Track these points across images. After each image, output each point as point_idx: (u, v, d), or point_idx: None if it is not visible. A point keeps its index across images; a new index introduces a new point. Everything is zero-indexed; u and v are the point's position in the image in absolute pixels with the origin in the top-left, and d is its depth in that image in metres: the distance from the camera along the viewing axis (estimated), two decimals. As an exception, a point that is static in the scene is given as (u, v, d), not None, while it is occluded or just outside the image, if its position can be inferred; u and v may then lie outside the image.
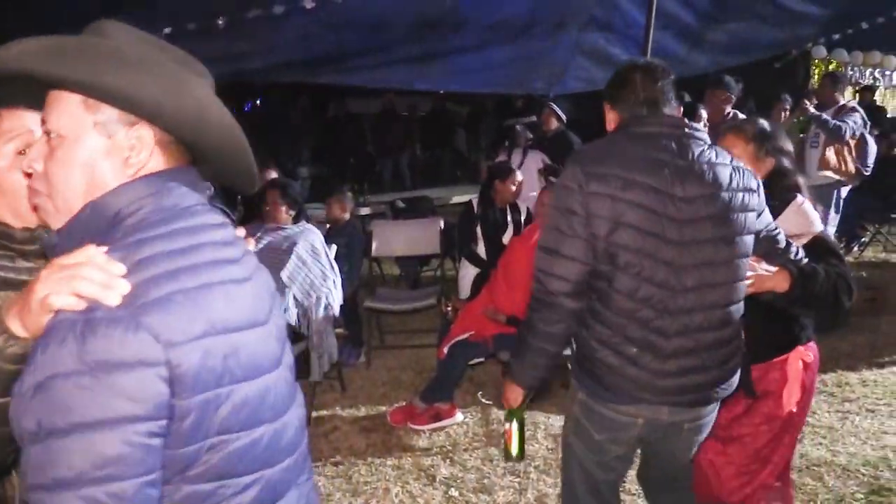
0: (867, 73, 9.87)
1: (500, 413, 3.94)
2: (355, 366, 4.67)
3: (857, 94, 9.27)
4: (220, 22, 4.22)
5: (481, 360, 3.95)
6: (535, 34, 6.20)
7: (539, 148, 5.95)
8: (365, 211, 6.63)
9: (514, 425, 2.38)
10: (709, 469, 2.33)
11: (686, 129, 1.88)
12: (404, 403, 3.97)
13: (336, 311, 4.01)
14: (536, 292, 1.89)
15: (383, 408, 4.04)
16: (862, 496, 3.07)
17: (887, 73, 9.82)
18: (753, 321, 2.01)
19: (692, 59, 7.54)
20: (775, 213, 2.10)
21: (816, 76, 9.62)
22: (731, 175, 1.86)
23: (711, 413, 1.99)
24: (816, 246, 2.14)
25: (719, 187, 1.82)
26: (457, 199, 6.86)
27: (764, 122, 2.38)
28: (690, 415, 1.93)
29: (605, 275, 1.82)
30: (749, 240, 1.89)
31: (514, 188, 4.66)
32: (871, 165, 5.86)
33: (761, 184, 1.96)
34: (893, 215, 7.29)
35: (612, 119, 1.98)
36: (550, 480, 3.24)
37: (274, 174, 5.32)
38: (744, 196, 1.87)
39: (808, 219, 2.22)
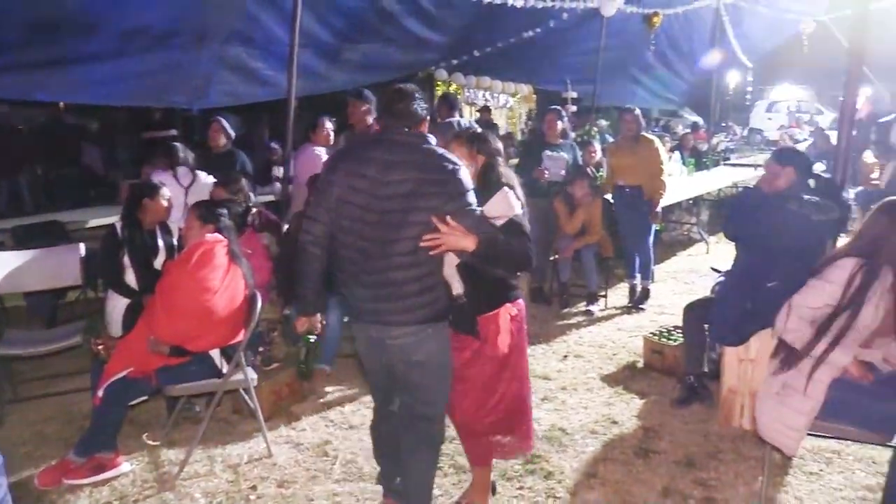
0: (480, 94, 11.27)
1: (172, 454, 3.66)
2: (-18, 427, 3.93)
3: (478, 113, 10.50)
4: None
5: (144, 398, 3.61)
6: (175, 45, 5.89)
7: (205, 166, 5.57)
8: (-25, 242, 5.60)
9: (304, 349, 3.26)
10: (452, 402, 2.90)
11: (398, 135, 2.59)
12: (54, 462, 3.45)
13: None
14: (298, 244, 2.73)
15: (27, 472, 3.46)
16: (519, 465, 3.49)
17: (496, 95, 11.31)
18: (475, 285, 2.69)
19: (331, 75, 7.86)
20: (486, 199, 2.69)
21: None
22: (419, 168, 2.50)
23: (409, 335, 2.61)
24: (511, 225, 2.68)
25: (410, 176, 2.49)
26: (95, 223, 6.15)
27: (478, 129, 3.08)
28: (388, 332, 2.62)
29: (335, 233, 2.62)
30: (429, 213, 2.46)
31: (164, 205, 4.34)
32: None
33: (466, 175, 2.56)
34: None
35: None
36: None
37: None
38: (428, 184, 2.49)
39: (508, 205, 2.73)
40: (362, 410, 4.18)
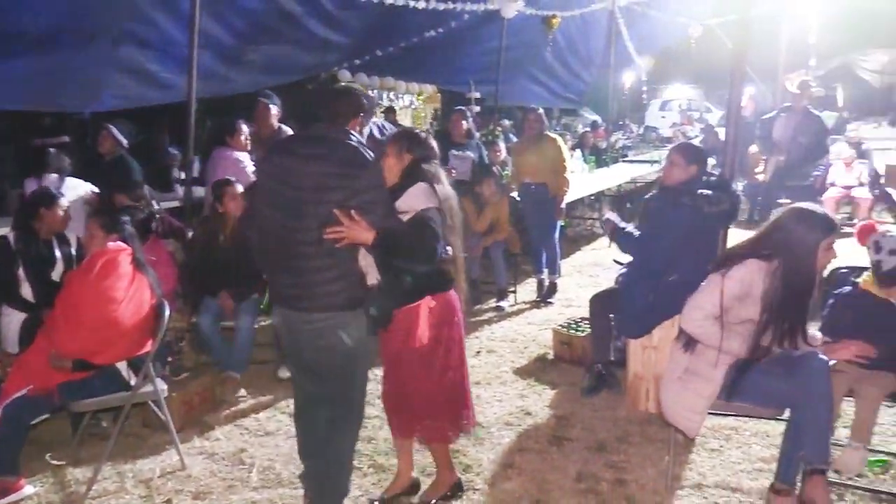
0: (385, 95, 11.27)
1: (79, 473, 3.51)
2: None
3: (383, 114, 10.50)
4: None
5: (47, 416, 3.44)
6: (62, 46, 5.61)
7: (94, 172, 5.33)
8: None
9: None
10: (383, 387, 3.15)
11: (318, 131, 2.78)
12: (-53, 490, 3.25)
13: None
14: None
15: (-85, 502, 3.25)
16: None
17: (401, 95, 11.34)
18: (394, 277, 2.76)
19: (233, 77, 7.67)
20: (402, 193, 2.81)
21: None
22: (331, 162, 2.65)
23: (322, 321, 2.72)
24: (416, 219, 2.76)
25: (321, 170, 2.64)
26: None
27: (410, 131, 3.21)
28: (302, 317, 2.75)
29: (259, 221, 2.81)
30: (330, 206, 2.60)
31: (62, 214, 4.16)
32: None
33: (376, 172, 2.73)
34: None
35: None
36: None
37: None
38: (337, 178, 2.63)
39: (418, 200, 2.80)
40: (278, 416, 4.14)
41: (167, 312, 3.48)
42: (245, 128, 5.73)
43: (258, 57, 7.63)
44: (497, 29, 9.76)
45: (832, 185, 9.32)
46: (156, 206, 5.13)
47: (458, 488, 3.26)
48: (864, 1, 12.90)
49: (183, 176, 5.73)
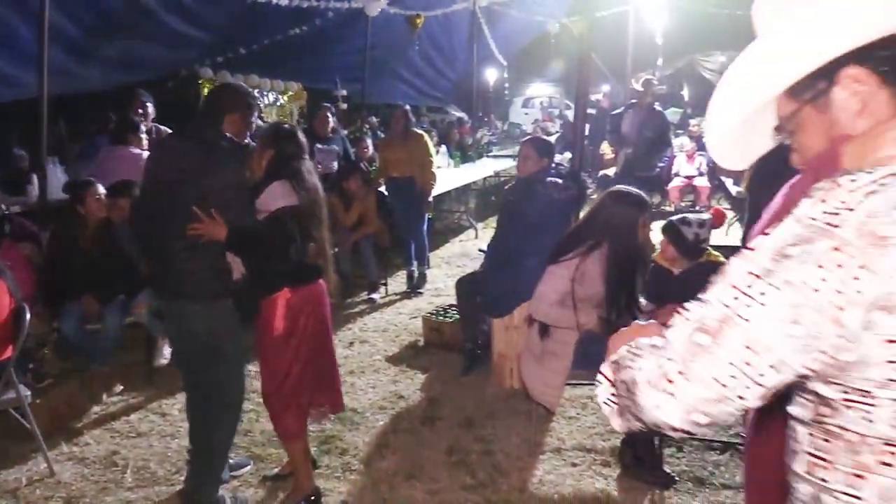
0: (250, 92, 11.07)
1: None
2: None
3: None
4: None
5: None
6: None
7: None
8: None
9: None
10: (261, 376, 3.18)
11: (189, 128, 2.95)
12: None
13: None
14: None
15: None
16: (315, 447, 3.66)
17: (265, 93, 11.20)
18: (254, 270, 2.91)
19: (85, 73, 7.36)
20: (262, 190, 2.89)
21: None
22: (191, 159, 2.82)
23: (185, 307, 2.91)
24: (268, 219, 2.86)
25: (183, 166, 2.82)
26: None
27: (277, 126, 3.26)
28: (169, 304, 3.04)
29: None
30: (189, 201, 2.74)
31: None
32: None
33: (230, 171, 2.85)
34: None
35: None
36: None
37: None
38: (188, 175, 2.80)
39: (273, 199, 2.88)
40: (150, 417, 4.10)
41: (27, 317, 3.38)
42: (143, 126, 5.52)
43: (113, 52, 7.35)
44: (362, 28, 9.87)
45: (676, 174, 10.13)
46: (4, 209, 4.92)
47: (316, 499, 3.19)
48: (707, 6, 14.07)
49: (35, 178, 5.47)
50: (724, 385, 0.90)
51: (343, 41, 10.49)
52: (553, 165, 4.33)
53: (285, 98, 12.22)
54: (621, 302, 3.31)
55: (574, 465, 3.51)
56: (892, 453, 0.88)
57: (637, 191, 3.49)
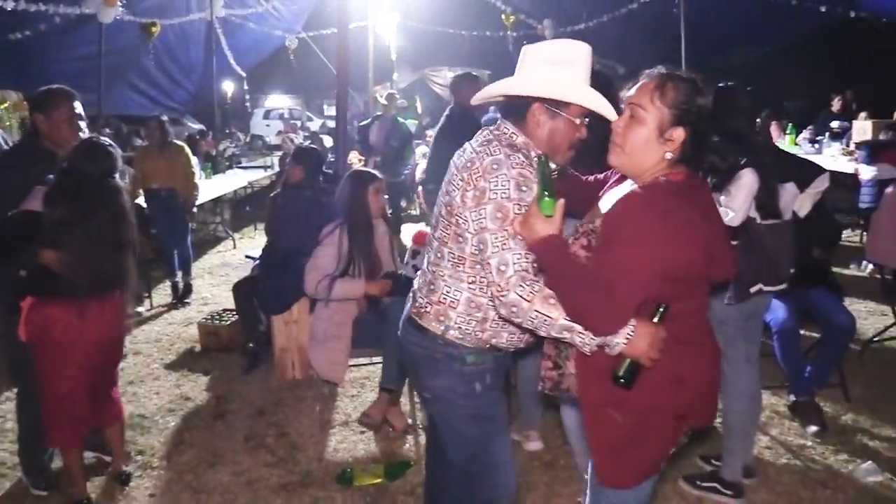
0: None
1: None
2: None
3: None
4: None
5: None
6: None
7: None
8: None
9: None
10: None
11: None
12: None
13: None
14: None
15: None
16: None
17: None
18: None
19: None
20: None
21: None
22: None
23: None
24: (14, 214, 2.94)
25: None
26: None
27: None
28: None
29: None
30: None
31: None
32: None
33: None
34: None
35: None
36: None
37: None
38: None
39: (29, 200, 2.93)
40: None
41: None
42: None
43: None
44: (92, 34, 9.42)
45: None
46: None
47: None
48: (434, 25, 15.45)
49: None
50: None
51: (69, 47, 9.90)
52: (322, 172, 4.76)
53: (3, 108, 11.13)
54: (359, 265, 3.93)
55: (362, 433, 3.97)
56: None
57: (368, 169, 4.19)
